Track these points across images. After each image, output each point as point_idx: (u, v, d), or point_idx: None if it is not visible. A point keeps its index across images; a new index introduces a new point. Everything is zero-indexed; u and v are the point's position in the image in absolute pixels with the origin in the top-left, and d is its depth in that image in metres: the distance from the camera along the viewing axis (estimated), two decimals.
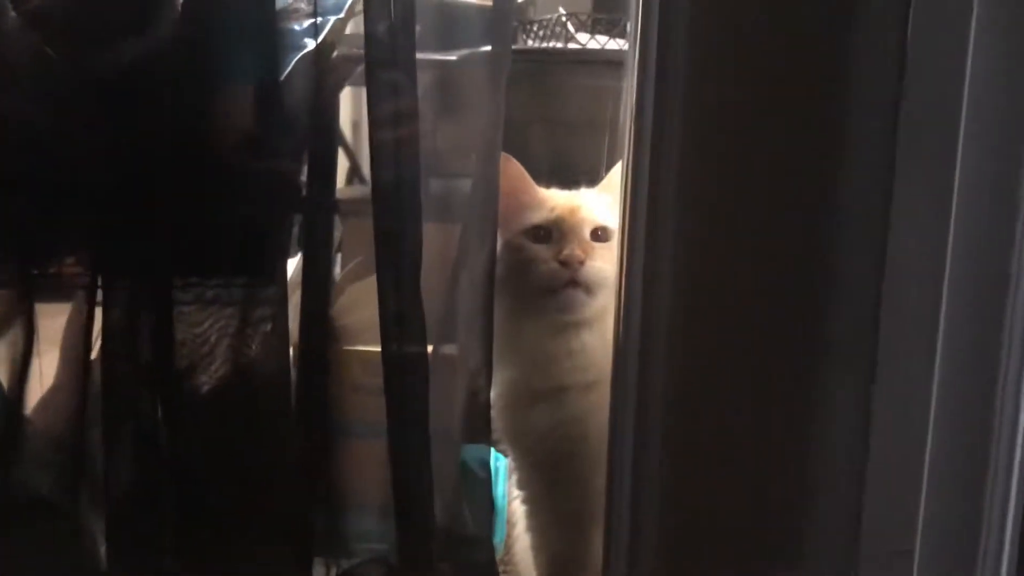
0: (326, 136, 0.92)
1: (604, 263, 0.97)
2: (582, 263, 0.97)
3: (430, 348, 0.91)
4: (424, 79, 0.88)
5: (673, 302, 0.70)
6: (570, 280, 0.97)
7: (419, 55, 0.86)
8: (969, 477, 0.67)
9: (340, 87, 0.98)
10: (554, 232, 1.00)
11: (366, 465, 0.92)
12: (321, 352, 0.88)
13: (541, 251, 0.99)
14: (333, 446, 0.94)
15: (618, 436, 0.75)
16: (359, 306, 0.95)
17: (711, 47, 0.68)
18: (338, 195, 1.00)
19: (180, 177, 0.86)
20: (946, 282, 0.67)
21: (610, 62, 1.21)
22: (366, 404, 0.92)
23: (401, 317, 0.87)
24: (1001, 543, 0.67)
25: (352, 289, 1.01)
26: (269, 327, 0.87)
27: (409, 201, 0.87)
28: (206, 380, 0.87)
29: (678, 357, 0.71)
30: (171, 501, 0.87)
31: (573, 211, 1.00)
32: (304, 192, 0.89)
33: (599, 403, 0.84)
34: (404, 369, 0.87)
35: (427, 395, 0.88)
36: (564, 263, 0.97)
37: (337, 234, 1.04)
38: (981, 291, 0.66)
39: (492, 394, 0.97)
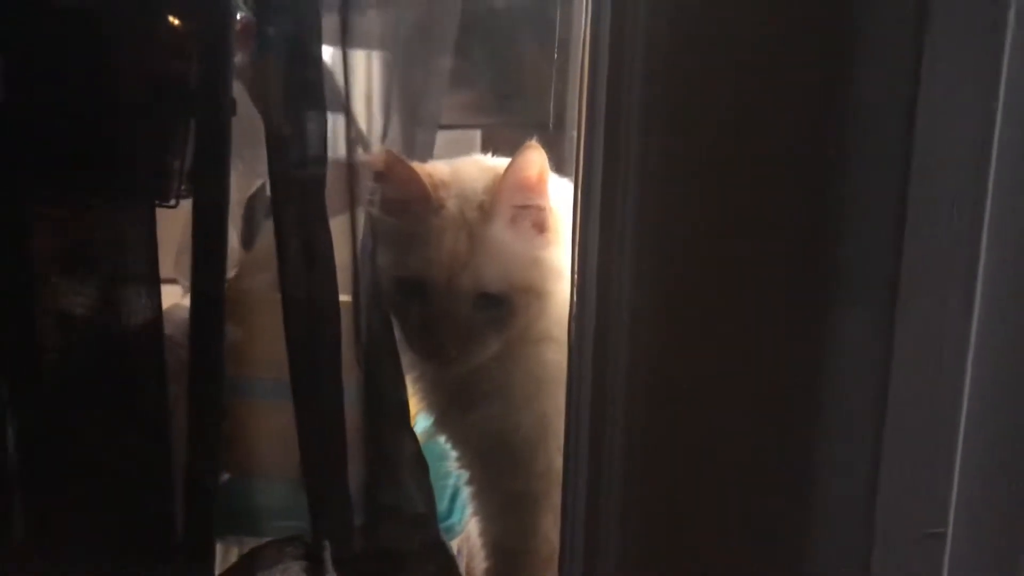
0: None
1: (492, 340, 0.77)
2: (453, 360, 0.78)
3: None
4: None
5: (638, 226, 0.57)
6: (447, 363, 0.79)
7: None
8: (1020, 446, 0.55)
9: None
10: (427, 289, 0.77)
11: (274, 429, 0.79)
12: (214, 296, 0.72)
13: (410, 313, 0.79)
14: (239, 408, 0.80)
15: (574, 396, 0.62)
16: None
17: None
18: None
19: None
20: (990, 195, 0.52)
21: None
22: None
23: (306, 254, 0.72)
24: None
25: None
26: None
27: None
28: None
29: (645, 294, 0.57)
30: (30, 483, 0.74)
31: (451, 270, 0.76)
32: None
33: (547, 359, 0.73)
34: (310, 316, 0.73)
35: (338, 346, 0.74)
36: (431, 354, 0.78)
37: None
38: None
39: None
